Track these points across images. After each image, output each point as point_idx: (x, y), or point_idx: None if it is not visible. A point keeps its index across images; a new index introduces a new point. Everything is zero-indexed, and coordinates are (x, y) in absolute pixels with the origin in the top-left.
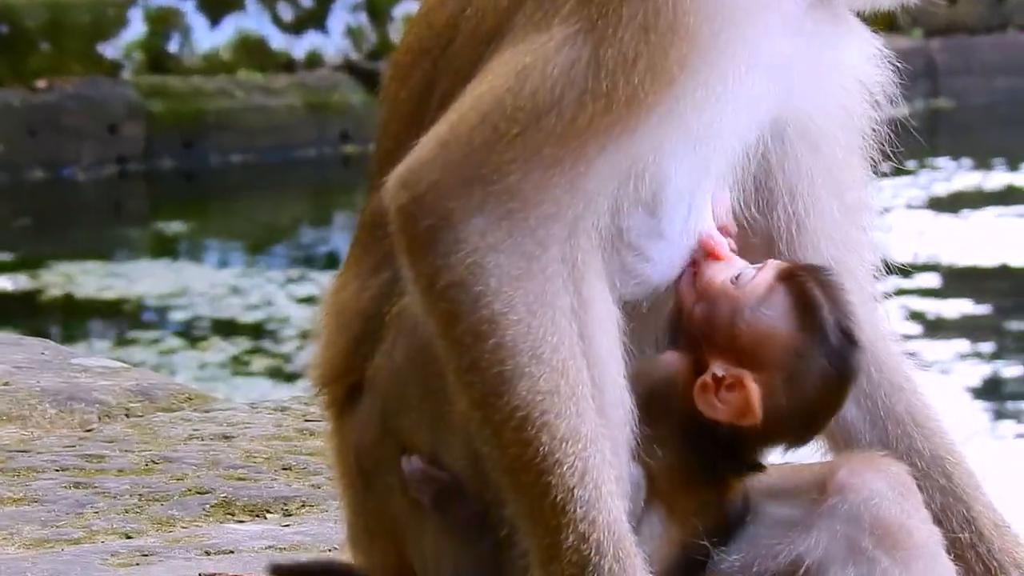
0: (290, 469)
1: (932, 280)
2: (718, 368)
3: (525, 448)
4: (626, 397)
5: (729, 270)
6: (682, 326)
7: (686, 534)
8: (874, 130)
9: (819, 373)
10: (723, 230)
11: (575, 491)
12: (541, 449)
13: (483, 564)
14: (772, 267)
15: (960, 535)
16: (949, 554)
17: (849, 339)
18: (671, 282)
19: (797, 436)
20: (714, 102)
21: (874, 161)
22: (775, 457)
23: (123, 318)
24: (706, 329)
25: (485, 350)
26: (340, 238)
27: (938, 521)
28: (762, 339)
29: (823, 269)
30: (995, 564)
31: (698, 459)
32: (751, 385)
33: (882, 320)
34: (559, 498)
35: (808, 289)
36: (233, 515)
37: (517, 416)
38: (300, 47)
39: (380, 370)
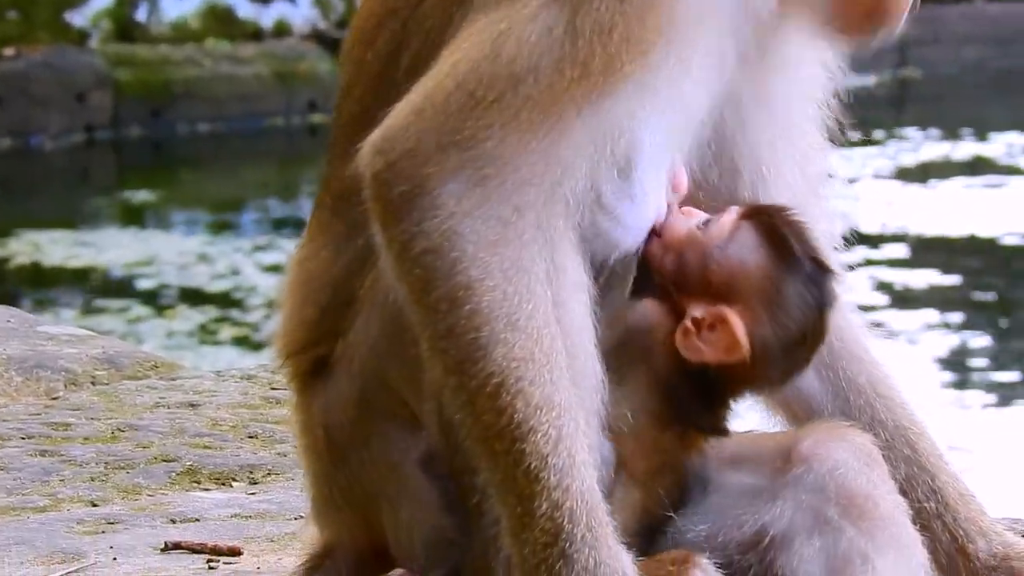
0: (256, 437)
1: (900, 250)
2: (696, 311)
3: (499, 415)
4: (597, 367)
5: (693, 219)
6: (654, 281)
7: (648, 500)
8: (835, 101)
9: (798, 299)
10: (685, 194)
11: (549, 459)
12: (515, 416)
13: (458, 535)
14: (735, 210)
15: (926, 505)
16: (915, 524)
17: (821, 266)
18: (640, 244)
19: (783, 372)
20: (686, 71)
21: (834, 132)
22: (737, 426)
23: (90, 286)
24: (678, 277)
25: (461, 316)
26: (308, 207)
27: (903, 491)
28: (735, 273)
29: (786, 208)
30: (961, 533)
31: (671, 412)
32: (733, 319)
33: (843, 291)
34: (532, 466)
35: (774, 223)
36: (199, 483)
37: (492, 383)
38: (268, 16)
39: (356, 346)
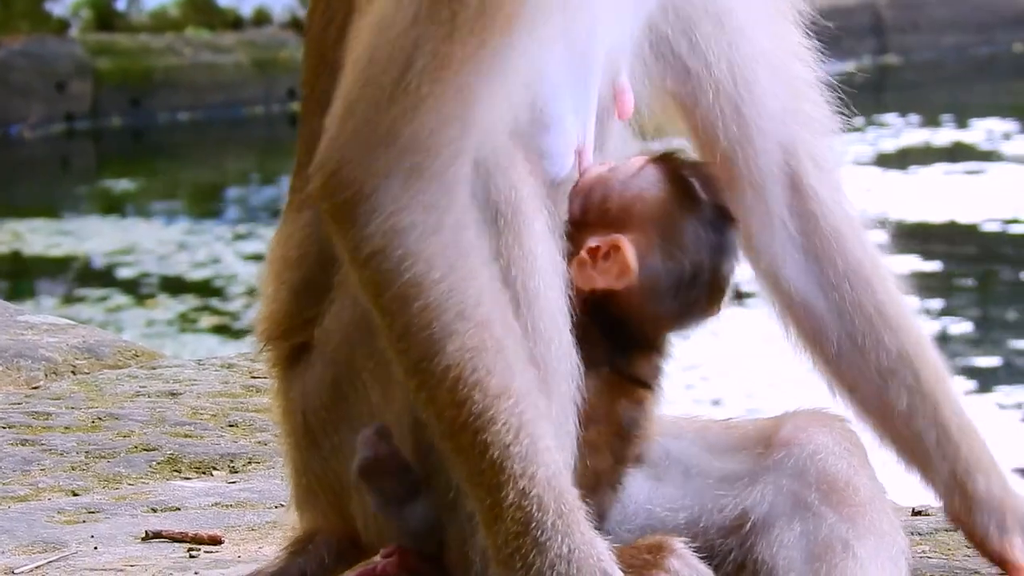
0: (237, 426)
1: (880, 236)
2: (593, 241)
3: (459, 409)
4: (572, 351)
5: (606, 166)
6: (566, 228)
7: (595, 459)
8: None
9: (693, 236)
10: (630, 114)
11: (511, 448)
12: (474, 408)
13: (425, 529)
14: (647, 155)
15: (925, 436)
16: (914, 455)
17: (723, 213)
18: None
19: (679, 312)
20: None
21: (812, 44)
22: (718, 414)
23: (70, 275)
24: (582, 215)
25: (413, 314)
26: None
27: (904, 421)
28: (633, 202)
29: (702, 162)
30: (961, 468)
31: (590, 358)
32: (624, 245)
33: (849, 205)
34: (496, 455)
35: (680, 166)
36: (179, 472)
37: (450, 377)
38: (247, 5)
39: (330, 333)
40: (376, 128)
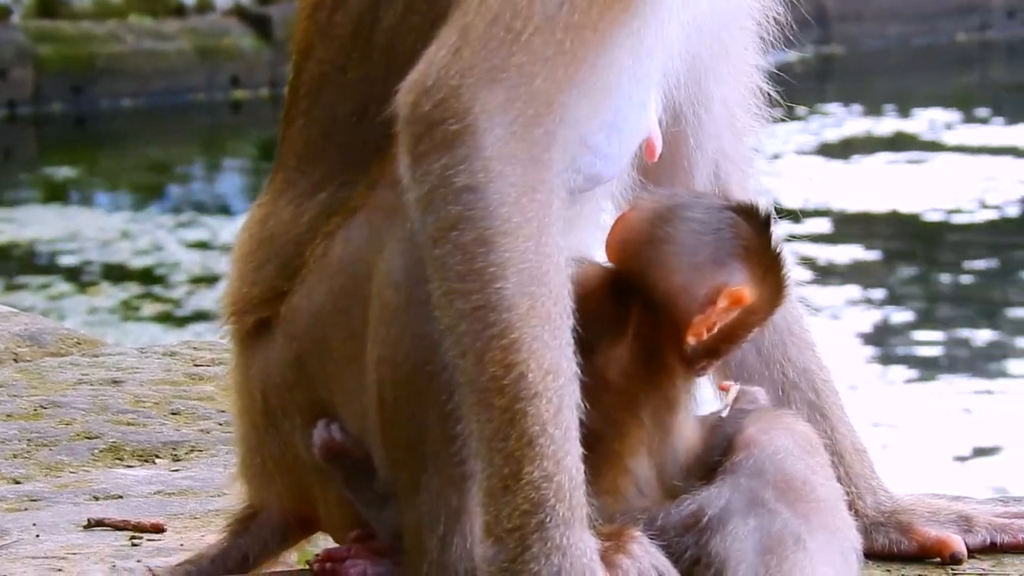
0: (179, 414)
1: (822, 226)
2: (705, 297)
3: (508, 371)
4: (574, 366)
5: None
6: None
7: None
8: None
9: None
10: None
11: (548, 427)
12: (526, 375)
13: (386, 517)
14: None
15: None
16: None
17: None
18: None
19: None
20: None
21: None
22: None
23: (12, 263)
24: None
25: (492, 262)
26: (230, 183)
27: None
28: (718, 244)
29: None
30: (854, 489)
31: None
32: (743, 292)
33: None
34: (531, 430)
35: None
36: (122, 460)
37: (509, 337)
38: None
39: (298, 311)
40: (502, 67)
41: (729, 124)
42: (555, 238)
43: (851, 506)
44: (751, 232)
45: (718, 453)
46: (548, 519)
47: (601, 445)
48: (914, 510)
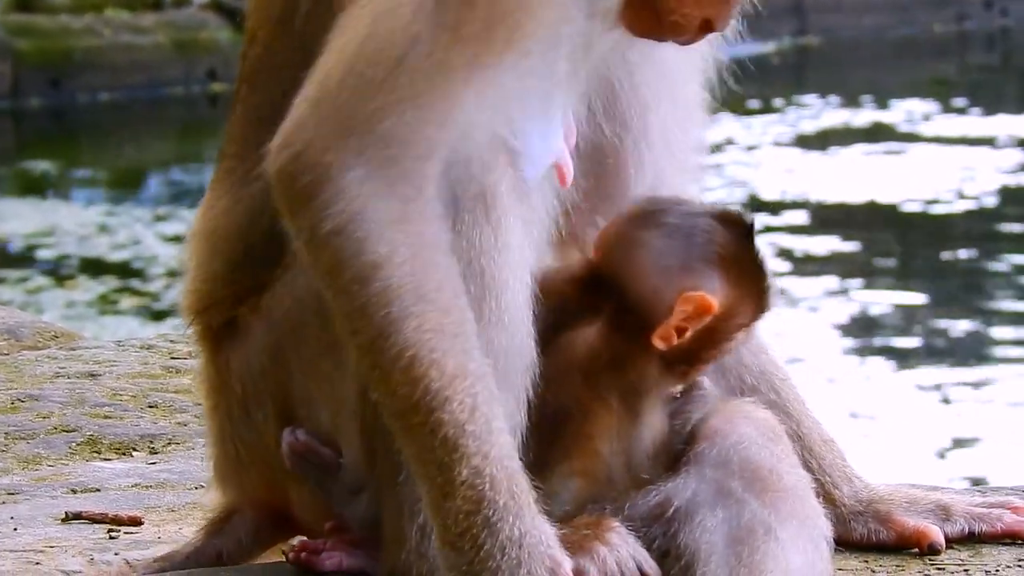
0: (156, 407)
1: (800, 217)
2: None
3: (415, 387)
4: (532, 345)
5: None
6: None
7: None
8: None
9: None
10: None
11: (466, 426)
12: (431, 386)
13: (358, 509)
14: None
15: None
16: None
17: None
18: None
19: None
20: (556, 34)
21: (718, 94)
22: None
23: None
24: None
25: (371, 294)
26: (208, 177)
27: None
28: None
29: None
30: (828, 479)
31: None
32: (709, 299)
33: None
34: (450, 434)
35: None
36: (99, 453)
37: (406, 356)
38: None
39: (280, 297)
40: (353, 115)
41: (664, 139)
42: (437, 256)
43: (827, 496)
44: (728, 239)
45: (680, 442)
46: (492, 513)
47: (571, 424)
48: (892, 499)
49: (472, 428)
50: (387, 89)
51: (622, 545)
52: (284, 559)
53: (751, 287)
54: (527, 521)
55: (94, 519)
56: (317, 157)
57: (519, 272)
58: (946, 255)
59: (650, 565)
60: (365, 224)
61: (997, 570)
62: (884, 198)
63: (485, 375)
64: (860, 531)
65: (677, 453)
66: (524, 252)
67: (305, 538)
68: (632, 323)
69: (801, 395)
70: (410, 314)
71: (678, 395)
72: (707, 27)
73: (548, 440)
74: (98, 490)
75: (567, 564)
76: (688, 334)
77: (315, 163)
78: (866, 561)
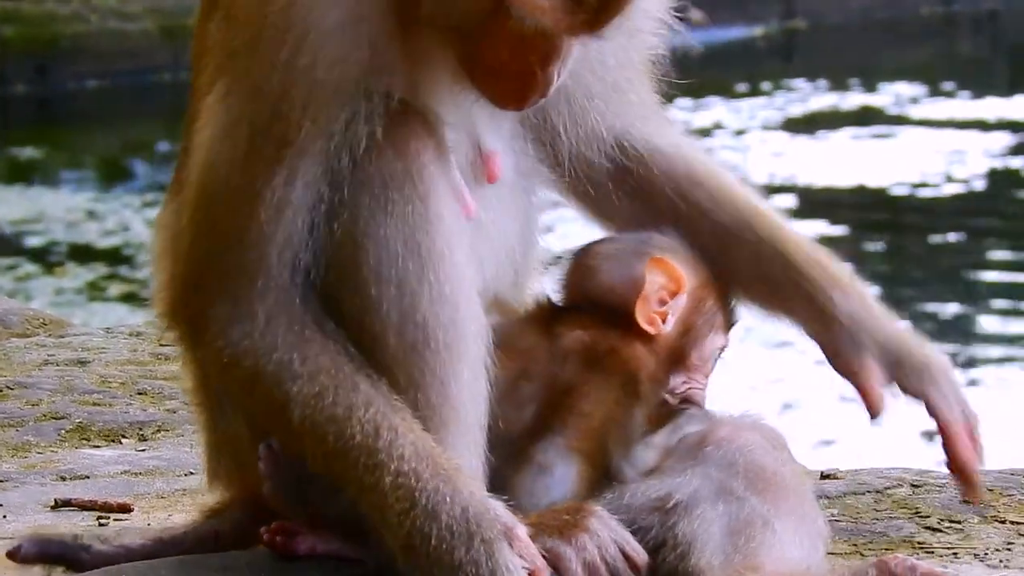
0: (145, 394)
1: (788, 201)
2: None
3: (322, 444)
4: (474, 297)
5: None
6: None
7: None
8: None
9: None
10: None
11: (376, 443)
12: (334, 435)
13: (336, 507)
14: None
15: (773, 273)
16: (779, 300)
17: None
18: None
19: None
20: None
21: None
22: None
23: None
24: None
25: (265, 398)
26: None
27: (752, 270)
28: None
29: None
30: (815, 288)
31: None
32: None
33: (675, 131)
34: (366, 458)
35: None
36: (88, 440)
37: (305, 427)
38: None
39: None
40: (201, 260)
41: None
42: (316, 346)
43: (817, 308)
44: (675, 241)
45: (680, 447)
46: (427, 500)
47: (569, 398)
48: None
49: (381, 443)
50: (222, 231)
51: (602, 529)
52: (260, 536)
53: (705, 274)
54: (464, 496)
55: (84, 506)
56: (188, 307)
57: (454, 241)
58: (934, 238)
59: (633, 547)
60: (231, 349)
61: (986, 553)
62: (873, 181)
63: (375, 396)
64: (837, 341)
65: (677, 454)
66: (457, 221)
67: (282, 520)
68: (620, 321)
69: (787, 228)
70: (292, 398)
71: (678, 406)
72: (546, 69)
73: (550, 411)
74: (87, 477)
75: (520, 526)
76: (670, 318)
77: (189, 314)
78: (855, 545)
